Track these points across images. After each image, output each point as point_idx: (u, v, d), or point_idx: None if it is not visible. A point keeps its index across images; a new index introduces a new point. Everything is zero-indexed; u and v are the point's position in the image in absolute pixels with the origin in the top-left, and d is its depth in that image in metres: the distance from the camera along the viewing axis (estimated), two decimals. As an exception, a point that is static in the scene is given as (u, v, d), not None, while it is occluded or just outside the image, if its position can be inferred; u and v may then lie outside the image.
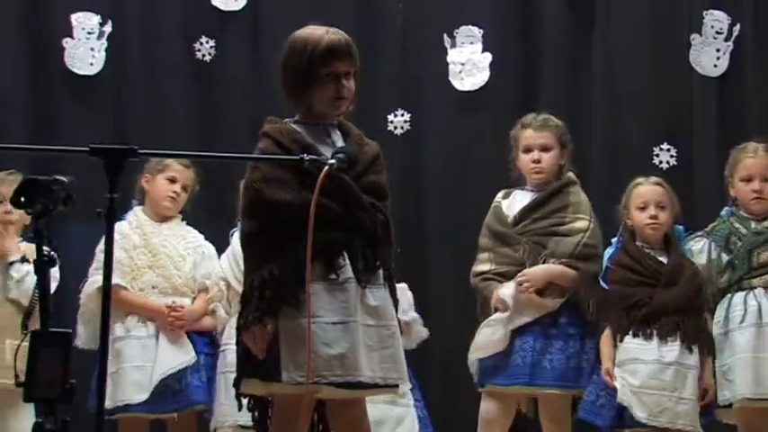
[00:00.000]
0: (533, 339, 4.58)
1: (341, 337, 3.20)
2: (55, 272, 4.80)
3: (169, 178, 4.95)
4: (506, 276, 4.65)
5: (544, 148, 4.77)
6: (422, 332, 5.02)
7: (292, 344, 3.19)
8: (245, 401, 3.37)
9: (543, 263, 4.62)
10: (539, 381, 4.57)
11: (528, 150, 4.79)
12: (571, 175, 4.81)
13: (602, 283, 4.69)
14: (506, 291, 4.60)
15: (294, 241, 3.13)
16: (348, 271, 3.25)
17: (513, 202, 4.81)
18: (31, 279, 4.80)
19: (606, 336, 4.62)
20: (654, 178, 4.86)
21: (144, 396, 4.68)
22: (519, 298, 4.57)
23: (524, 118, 4.89)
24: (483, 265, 4.74)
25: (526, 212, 4.74)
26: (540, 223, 4.71)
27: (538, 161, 4.76)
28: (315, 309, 3.17)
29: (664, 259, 4.71)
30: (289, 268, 3.18)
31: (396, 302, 3.39)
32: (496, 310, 4.63)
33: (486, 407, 4.68)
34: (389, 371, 3.29)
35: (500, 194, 4.87)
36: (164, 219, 4.98)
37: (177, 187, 4.96)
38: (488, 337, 4.61)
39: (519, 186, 4.87)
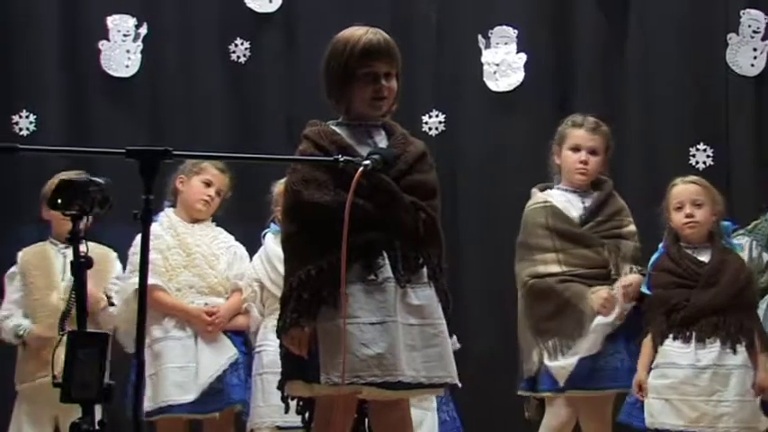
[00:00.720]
0: (622, 342, 4.59)
1: (379, 337, 3.18)
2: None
3: (205, 181, 4.95)
4: (585, 278, 4.61)
5: (593, 152, 4.74)
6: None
7: (330, 345, 3.18)
8: (292, 403, 3.36)
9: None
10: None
11: (576, 149, 4.74)
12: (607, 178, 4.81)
13: (644, 289, 4.66)
14: (616, 293, 4.58)
15: (332, 242, 3.12)
16: (387, 271, 3.24)
17: (564, 203, 4.74)
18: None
19: (647, 342, 4.59)
20: (690, 177, 4.82)
21: (190, 397, 4.67)
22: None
23: (574, 117, 4.84)
24: (550, 267, 4.63)
25: (591, 214, 4.71)
26: (605, 226, 4.69)
27: (586, 162, 4.73)
28: (352, 309, 3.17)
29: (706, 258, 4.65)
30: (326, 269, 3.18)
31: (446, 301, 3.37)
32: (598, 312, 4.55)
33: (561, 416, 4.65)
34: (434, 369, 3.26)
35: (540, 193, 4.79)
36: (195, 221, 4.97)
37: (212, 191, 4.95)
38: (595, 341, 4.55)
39: (551, 185, 4.83)
